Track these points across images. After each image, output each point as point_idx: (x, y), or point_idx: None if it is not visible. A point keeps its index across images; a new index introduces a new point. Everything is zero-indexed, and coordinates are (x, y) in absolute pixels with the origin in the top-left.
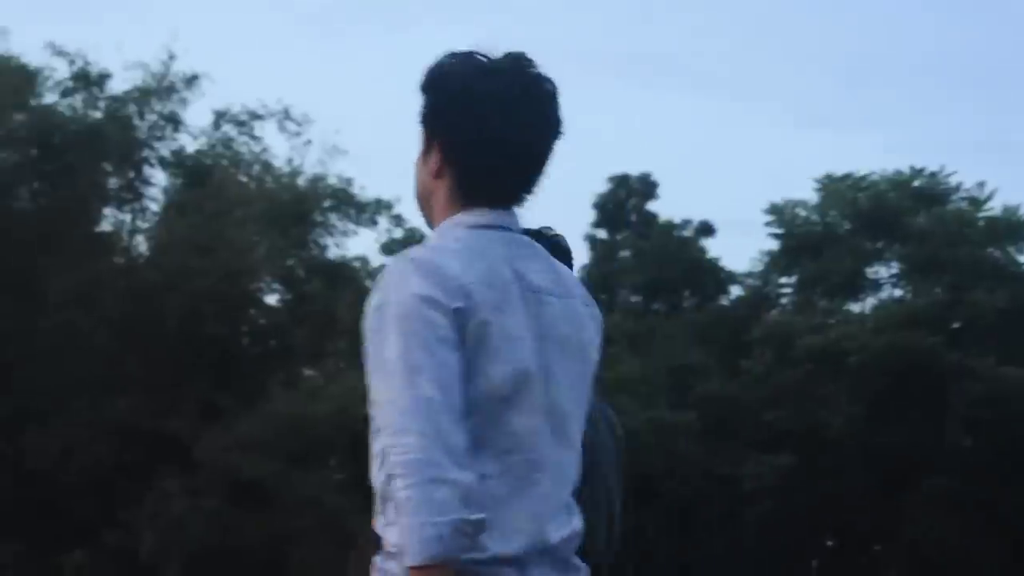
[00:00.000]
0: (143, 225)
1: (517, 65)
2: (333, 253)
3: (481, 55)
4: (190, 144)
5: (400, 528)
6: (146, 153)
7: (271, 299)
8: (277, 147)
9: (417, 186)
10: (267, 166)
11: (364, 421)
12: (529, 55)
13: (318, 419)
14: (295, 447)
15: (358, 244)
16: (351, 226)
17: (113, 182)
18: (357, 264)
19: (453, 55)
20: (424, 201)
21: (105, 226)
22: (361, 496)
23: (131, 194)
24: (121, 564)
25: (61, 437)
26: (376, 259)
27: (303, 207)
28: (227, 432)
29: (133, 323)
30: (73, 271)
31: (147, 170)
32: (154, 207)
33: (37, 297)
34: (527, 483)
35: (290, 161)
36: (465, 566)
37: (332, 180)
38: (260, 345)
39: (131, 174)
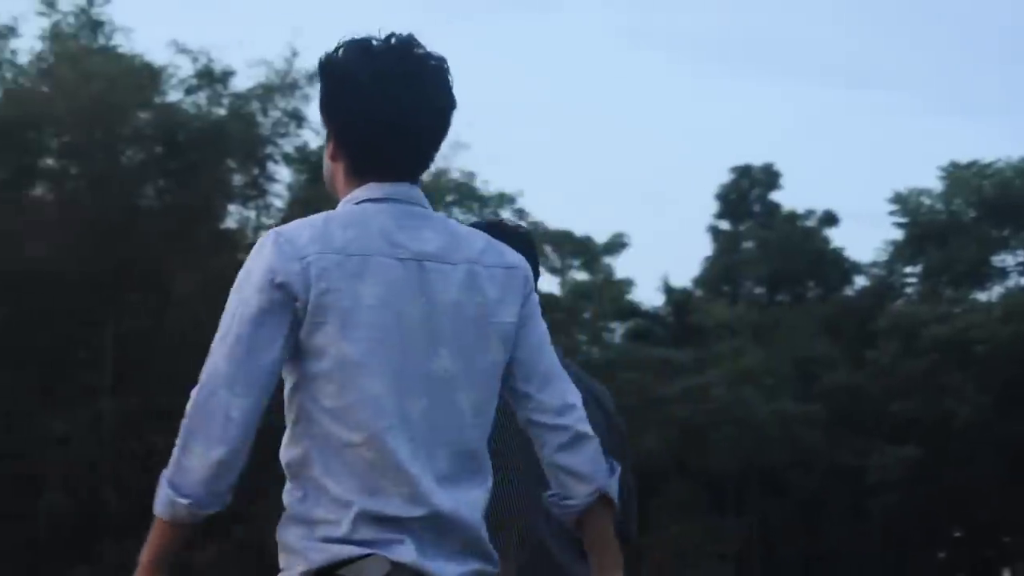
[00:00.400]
0: (267, 221)
1: (401, 46)
2: None
3: (371, 40)
4: (313, 140)
5: None
6: (270, 150)
7: None
8: None
9: (324, 172)
10: None
11: None
12: (416, 36)
13: None
14: None
15: None
16: (474, 220)
17: (237, 179)
18: None
19: (345, 42)
20: (329, 185)
21: (230, 223)
22: None
23: (255, 191)
24: (249, 559)
25: None
26: None
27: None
28: None
29: None
30: (198, 268)
31: (271, 166)
32: (278, 203)
33: (163, 294)
34: (390, 448)
35: None
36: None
37: (455, 174)
38: None
39: (255, 171)
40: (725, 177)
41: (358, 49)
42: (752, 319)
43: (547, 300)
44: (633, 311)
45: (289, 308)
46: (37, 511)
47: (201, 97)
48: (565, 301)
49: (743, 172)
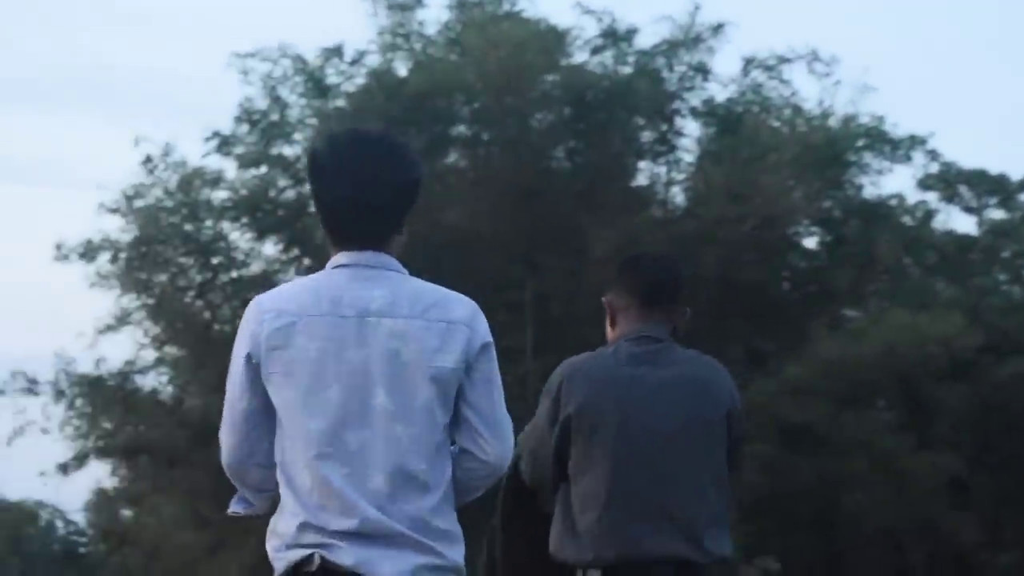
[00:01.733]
0: (678, 176)
1: (361, 134)
2: (869, 192)
3: (341, 132)
4: (719, 93)
5: None
6: (677, 105)
7: (809, 242)
8: (806, 90)
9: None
10: (797, 110)
11: (913, 361)
12: (375, 129)
13: (863, 360)
14: (841, 389)
15: (893, 181)
16: (886, 164)
17: (646, 136)
18: (894, 202)
19: (322, 137)
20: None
21: (641, 180)
22: (913, 437)
23: (664, 146)
24: None
25: None
26: (913, 195)
27: (836, 148)
28: (773, 377)
29: None
30: (612, 227)
31: (679, 121)
32: (688, 158)
33: (578, 254)
34: (322, 474)
35: (820, 103)
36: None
37: (864, 119)
38: (800, 289)
39: (663, 127)
40: None
41: (326, 140)
42: None
43: (963, 241)
44: None
45: (256, 369)
46: None
47: (607, 56)
48: (983, 240)
49: None
